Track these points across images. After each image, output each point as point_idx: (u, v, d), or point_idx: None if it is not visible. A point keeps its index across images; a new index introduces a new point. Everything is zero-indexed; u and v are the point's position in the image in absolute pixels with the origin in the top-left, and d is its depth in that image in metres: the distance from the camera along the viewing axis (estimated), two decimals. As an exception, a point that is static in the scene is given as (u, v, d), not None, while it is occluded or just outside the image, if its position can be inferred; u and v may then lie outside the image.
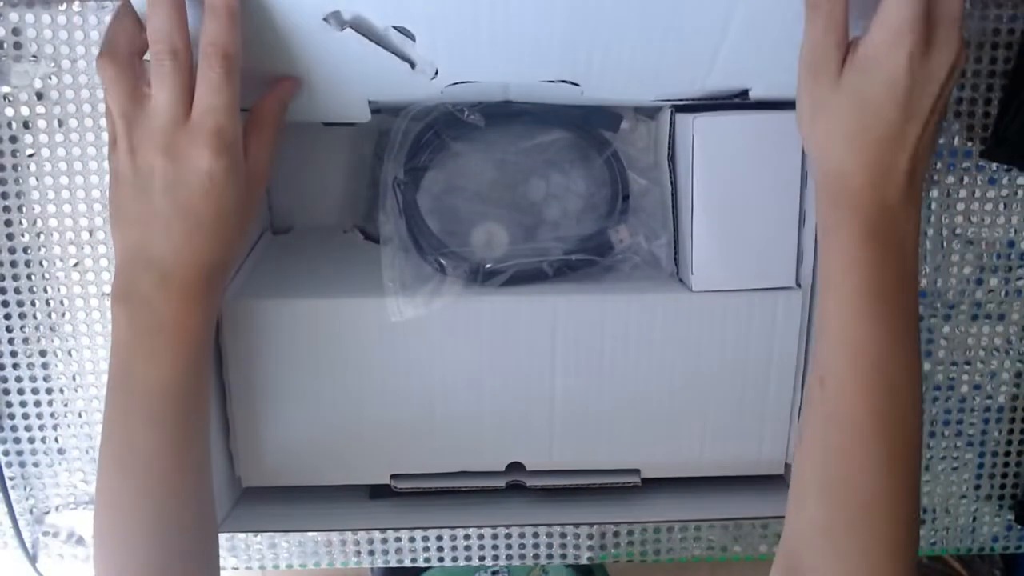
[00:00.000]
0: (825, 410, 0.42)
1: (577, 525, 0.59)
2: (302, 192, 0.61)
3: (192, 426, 0.45)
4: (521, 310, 0.51)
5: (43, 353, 0.56)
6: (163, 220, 0.42)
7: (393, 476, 0.54)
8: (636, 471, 0.55)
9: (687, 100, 0.50)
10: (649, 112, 0.56)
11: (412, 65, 0.45)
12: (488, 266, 0.52)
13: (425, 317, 0.51)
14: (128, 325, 0.43)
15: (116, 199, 0.43)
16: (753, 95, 0.49)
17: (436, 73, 0.46)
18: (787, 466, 0.55)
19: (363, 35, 0.43)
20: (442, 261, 0.52)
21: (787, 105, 0.43)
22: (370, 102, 0.49)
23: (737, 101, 0.49)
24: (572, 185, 0.56)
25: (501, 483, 0.55)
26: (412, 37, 0.44)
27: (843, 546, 0.42)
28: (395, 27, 0.43)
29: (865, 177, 0.40)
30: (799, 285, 0.52)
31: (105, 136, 0.52)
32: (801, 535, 0.44)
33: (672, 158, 0.53)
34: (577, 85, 0.47)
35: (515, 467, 0.55)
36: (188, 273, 0.42)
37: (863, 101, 0.40)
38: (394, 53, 0.45)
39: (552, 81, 0.47)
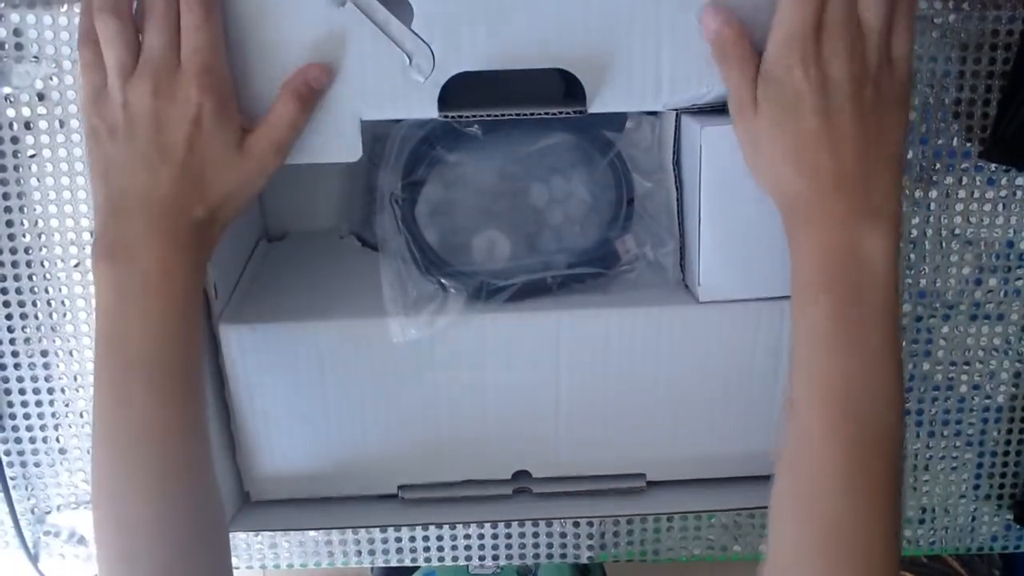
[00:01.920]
0: (795, 436, 0.42)
1: (577, 524, 0.59)
2: (296, 197, 0.61)
3: (190, 389, 0.43)
4: (525, 326, 0.51)
5: (44, 353, 0.56)
6: (149, 163, 0.41)
7: (400, 487, 0.54)
8: (642, 475, 0.55)
9: (693, 107, 0.50)
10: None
11: (409, 59, 0.45)
12: (491, 283, 0.51)
13: (429, 336, 0.50)
14: (114, 286, 0.41)
15: (99, 152, 0.42)
16: None
17: (433, 67, 0.45)
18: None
19: (362, 11, 0.43)
20: (443, 281, 0.51)
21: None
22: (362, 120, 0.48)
23: None
24: (575, 189, 0.55)
25: (508, 491, 0.55)
26: (411, 10, 0.44)
27: (815, 569, 0.41)
28: None
29: (812, 191, 0.40)
30: None
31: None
32: (774, 558, 0.43)
33: (677, 163, 0.52)
34: (582, 112, 0.47)
35: (521, 475, 0.55)
36: (173, 219, 0.41)
37: (781, 114, 0.39)
38: (391, 38, 0.44)
39: (557, 114, 0.47)
